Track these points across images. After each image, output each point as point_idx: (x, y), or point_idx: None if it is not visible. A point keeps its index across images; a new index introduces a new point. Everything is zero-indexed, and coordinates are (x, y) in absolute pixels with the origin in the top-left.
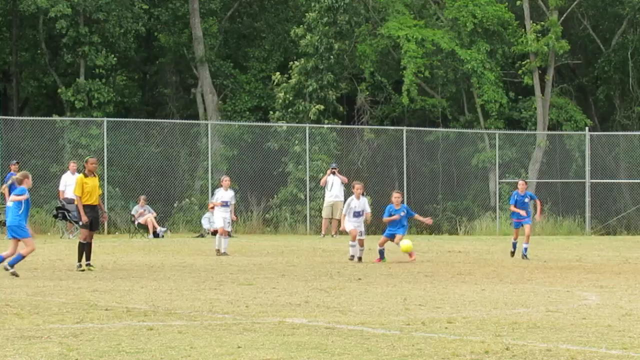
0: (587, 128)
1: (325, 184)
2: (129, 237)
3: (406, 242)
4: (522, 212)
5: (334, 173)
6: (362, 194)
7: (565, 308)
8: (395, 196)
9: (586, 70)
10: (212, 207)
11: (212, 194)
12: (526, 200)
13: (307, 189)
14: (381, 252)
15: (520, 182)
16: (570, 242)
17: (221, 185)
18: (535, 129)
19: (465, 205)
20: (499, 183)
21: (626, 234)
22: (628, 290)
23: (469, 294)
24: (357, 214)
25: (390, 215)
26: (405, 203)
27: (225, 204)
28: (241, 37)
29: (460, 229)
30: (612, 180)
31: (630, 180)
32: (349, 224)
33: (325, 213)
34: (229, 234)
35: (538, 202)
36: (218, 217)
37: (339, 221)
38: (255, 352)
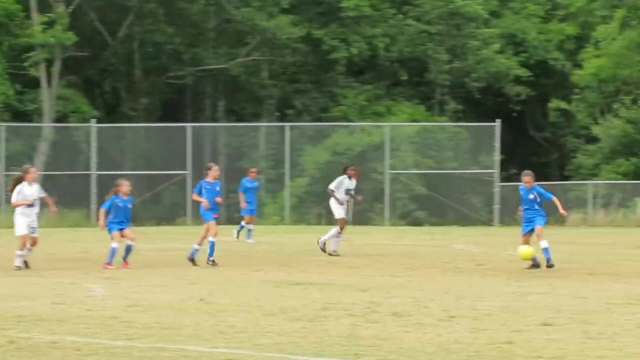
0: (93, 120)
1: None
2: None
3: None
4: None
5: None
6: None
7: (71, 300)
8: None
9: (93, 62)
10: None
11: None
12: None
13: None
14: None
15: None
16: (77, 234)
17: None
18: (42, 121)
19: None
20: (6, 176)
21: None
22: (134, 281)
23: None
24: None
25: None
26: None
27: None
28: None
29: None
30: (119, 172)
31: (135, 172)
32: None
33: None
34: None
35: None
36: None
37: None
38: None
